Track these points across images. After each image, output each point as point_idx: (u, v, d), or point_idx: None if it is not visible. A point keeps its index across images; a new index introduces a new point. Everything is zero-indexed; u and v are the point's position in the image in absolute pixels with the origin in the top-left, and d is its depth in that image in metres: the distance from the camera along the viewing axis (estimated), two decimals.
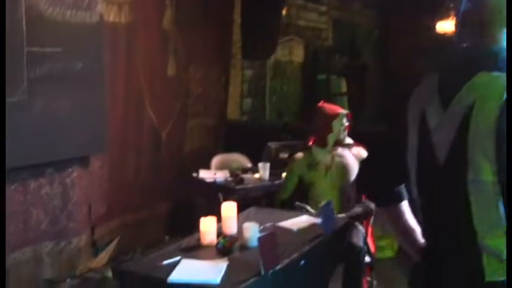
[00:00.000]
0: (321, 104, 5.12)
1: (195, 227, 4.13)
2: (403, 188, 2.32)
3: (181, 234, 4.43)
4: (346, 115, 4.90)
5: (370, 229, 5.01)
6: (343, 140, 4.89)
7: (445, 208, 1.99)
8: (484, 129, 1.85)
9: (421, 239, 2.25)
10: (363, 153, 4.86)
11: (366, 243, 4.68)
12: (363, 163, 4.71)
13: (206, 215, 3.98)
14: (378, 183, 2.33)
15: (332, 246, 4.10)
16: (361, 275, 4.57)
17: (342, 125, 4.86)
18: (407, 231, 2.30)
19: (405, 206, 2.31)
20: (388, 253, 6.44)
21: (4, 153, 3.88)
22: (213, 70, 7.83)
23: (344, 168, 4.84)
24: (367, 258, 4.67)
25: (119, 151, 6.19)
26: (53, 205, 5.30)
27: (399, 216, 2.31)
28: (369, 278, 4.98)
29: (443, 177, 1.98)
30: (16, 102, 4.63)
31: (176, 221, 6.96)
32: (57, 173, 5.31)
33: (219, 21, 7.90)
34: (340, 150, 4.87)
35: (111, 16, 5.90)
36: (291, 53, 9.48)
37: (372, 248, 4.88)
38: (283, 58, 9.30)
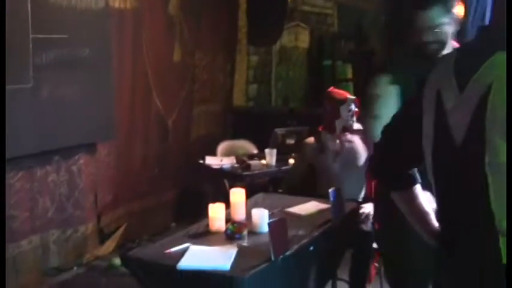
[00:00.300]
0: (330, 89, 5.09)
1: (201, 214, 4.12)
2: (415, 172, 2.30)
3: (187, 221, 4.42)
4: (354, 101, 4.86)
5: None
6: (351, 126, 4.85)
7: (462, 191, 1.96)
8: (502, 109, 1.82)
9: (434, 223, 2.23)
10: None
11: (374, 227, 4.66)
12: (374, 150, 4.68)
13: (212, 202, 3.97)
14: (390, 167, 2.30)
15: (341, 232, 4.07)
16: (369, 261, 4.56)
17: (349, 110, 4.82)
18: (421, 214, 2.28)
19: (418, 189, 2.29)
20: None
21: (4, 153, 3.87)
22: (219, 56, 7.81)
23: (353, 154, 4.82)
24: (375, 244, 4.64)
25: (126, 138, 6.18)
26: (60, 193, 5.30)
27: (412, 199, 2.29)
28: (376, 264, 4.97)
29: (460, 160, 1.95)
30: (22, 89, 4.62)
31: (183, 208, 6.96)
32: (63, 161, 5.31)
33: (225, 7, 7.87)
34: (349, 136, 4.84)
35: (117, 2, 5.87)
36: (297, 38, 9.43)
37: None
38: (288, 44, 9.26)
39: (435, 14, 3.21)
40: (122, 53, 6.00)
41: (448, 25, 3.24)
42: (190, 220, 4.34)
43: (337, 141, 4.85)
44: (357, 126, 4.90)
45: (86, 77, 5.28)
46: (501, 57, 1.88)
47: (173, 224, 6.75)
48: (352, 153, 4.83)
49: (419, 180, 2.30)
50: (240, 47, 8.27)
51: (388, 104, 3.16)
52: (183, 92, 7.11)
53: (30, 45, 4.71)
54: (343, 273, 4.58)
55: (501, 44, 1.91)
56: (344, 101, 4.83)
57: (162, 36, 6.69)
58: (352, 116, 4.83)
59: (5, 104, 4.24)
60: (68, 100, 5.09)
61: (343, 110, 4.82)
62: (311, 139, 5.03)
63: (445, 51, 3.14)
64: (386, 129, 2.35)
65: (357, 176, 4.83)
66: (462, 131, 1.92)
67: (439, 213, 2.12)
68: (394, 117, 2.34)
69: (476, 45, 2.06)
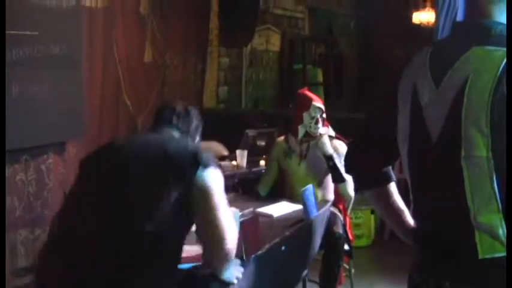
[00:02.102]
0: (301, 91, 5.09)
1: None
2: (390, 169, 2.30)
3: None
4: (320, 108, 4.83)
5: (348, 218, 5.02)
6: (315, 132, 4.81)
7: (438, 186, 1.97)
8: (478, 103, 1.83)
9: (410, 220, 2.23)
10: (343, 148, 4.72)
11: (345, 231, 4.67)
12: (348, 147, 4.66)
13: None
14: (364, 164, 2.30)
15: (312, 233, 4.07)
16: (340, 263, 4.56)
17: (313, 117, 4.79)
18: (396, 212, 2.28)
19: (393, 187, 2.30)
20: (364, 241, 6.46)
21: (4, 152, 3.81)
22: (190, 57, 7.77)
23: (318, 160, 4.79)
24: (346, 246, 4.65)
25: (95, 138, 6.11)
26: (28, 192, 5.22)
27: (387, 197, 2.29)
28: (346, 266, 4.98)
29: (436, 155, 1.95)
30: None
31: None
32: (32, 159, 5.24)
33: (197, 8, 7.83)
34: (319, 140, 4.79)
35: (88, 0, 5.82)
36: (268, 42, 9.46)
37: (350, 236, 4.88)
38: (259, 47, 9.27)
39: None
40: (92, 52, 5.95)
41: None
42: None
43: (305, 144, 4.85)
44: (324, 130, 4.87)
45: (56, 75, 5.21)
46: (477, 51, 1.89)
47: None
48: (317, 158, 4.80)
49: (394, 178, 2.30)
50: (211, 48, 8.26)
51: None
52: (154, 92, 7.07)
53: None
54: (314, 274, 4.59)
55: (476, 38, 1.92)
56: (308, 107, 4.81)
57: (133, 36, 6.65)
58: (316, 123, 4.80)
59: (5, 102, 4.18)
60: (38, 98, 5.02)
61: (306, 116, 4.80)
62: (282, 138, 5.04)
63: None
64: (363, 124, 2.35)
65: (323, 179, 4.83)
66: (438, 125, 1.93)
67: (414, 210, 2.12)
68: (368, 114, 2.34)
69: (451, 40, 2.08)
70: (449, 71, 1.92)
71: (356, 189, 2.45)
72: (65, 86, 5.31)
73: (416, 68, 2.04)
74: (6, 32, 4.62)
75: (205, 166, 2.65)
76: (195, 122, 3.10)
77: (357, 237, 5.86)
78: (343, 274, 4.86)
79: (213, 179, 2.67)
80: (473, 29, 1.96)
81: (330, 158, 4.59)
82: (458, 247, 1.92)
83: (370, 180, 2.30)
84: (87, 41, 5.79)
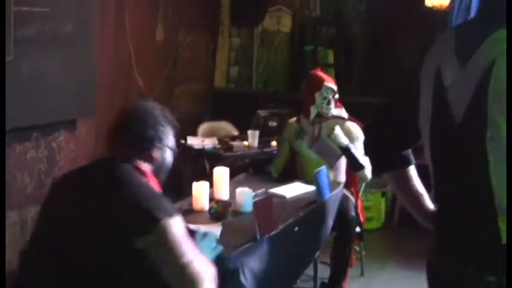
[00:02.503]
0: (314, 71, 5.05)
1: (179, 196, 4.08)
2: (409, 153, 2.27)
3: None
4: (332, 89, 4.79)
5: (359, 201, 4.99)
6: (326, 113, 4.77)
7: (461, 168, 1.93)
8: (504, 85, 1.79)
9: (429, 204, 2.20)
10: (356, 130, 4.72)
11: (357, 213, 4.65)
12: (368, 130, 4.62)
13: (192, 182, 3.93)
14: (384, 147, 2.26)
15: (325, 214, 4.05)
16: (351, 245, 4.54)
17: (325, 98, 4.75)
18: (416, 195, 2.25)
19: (412, 170, 2.26)
20: (375, 224, 6.43)
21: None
22: (202, 36, 7.73)
23: (330, 142, 4.76)
24: (357, 229, 4.63)
25: (106, 116, 6.08)
26: (39, 169, 5.21)
27: (407, 180, 2.26)
28: (357, 249, 4.97)
29: (460, 137, 1.92)
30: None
31: (162, 188, 6.89)
32: (43, 137, 5.22)
33: None
34: (331, 122, 4.77)
35: None
36: (279, 22, 9.38)
37: (362, 219, 4.85)
38: (271, 27, 9.21)
39: None
40: (104, 30, 5.91)
41: None
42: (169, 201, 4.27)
43: (317, 126, 4.81)
44: (337, 112, 4.83)
45: (68, 53, 5.18)
46: (503, 33, 1.86)
47: None
48: (330, 140, 4.76)
49: (414, 161, 2.27)
50: (222, 28, 8.21)
51: None
52: (165, 70, 7.04)
53: (12, 18, 4.61)
54: (325, 256, 4.57)
55: (503, 20, 1.88)
56: (320, 87, 4.77)
57: (145, 14, 6.60)
58: (328, 103, 4.76)
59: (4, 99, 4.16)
60: (49, 75, 5.00)
61: (318, 97, 4.76)
62: (294, 119, 5.00)
63: None
64: (381, 108, 2.31)
65: (334, 163, 4.79)
66: (463, 106, 1.89)
67: (435, 193, 2.09)
68: (389, 95, 2.31)
69: (478, 21, 2.04)
70: (476, 52, 1.88)
71: (376, 172, 2.42)
72: (75, 64, 5.28)
73: (440, 50, 2.01)
74: (16, 8, 4.60)
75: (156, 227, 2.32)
76: (165, 142, 2.72)
77: (367, 220, 5.83)
78: (354, 257, 4.84)
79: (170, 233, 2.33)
80: (501, 10, 1.92)
81: (346, 149, 4.53)
82: (480, 232, 1.88)
83: (390, 163, 2.27)
84: (99, 19, 5.74)
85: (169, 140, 2.74)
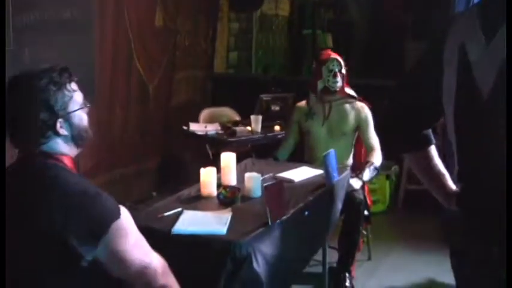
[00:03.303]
0: (323, 51, 5.06)
1: (183, 182, 4.04)
2: (430, 132, 2.22)
3: (169, 190, 4.31)
4: (338, 61, 4.76)
5: (366, 184, 4.94)
6: (333, 87, 4.74)
7: (486, 146, 1.88)
8: None
9: (451, 184, 2.16)
10: (365, 110, 4.76)
11: (365, 196, 4.60)
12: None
13: (194, 169, 3.89)
14: (405, 126, 2.21)
15: (334, 198, 4.01)
16: (360, 228, 4.50)
17: (331, 70, 4.72)
18: (437, 175, 2.21)
19: (433, 150, 2.22)
20: (380, 207, 6.40)
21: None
22: (201, 22, 7.66)
23: (340, 120, 4.75)
24: (365, 212, 4.59)
25: (107, 104, 6.04)
26: None
27: (428, 160, 2.22)
28: (364, 232, 4.93)
29: (487, 112, 1.87)
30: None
31: (164, 176, 6.85)
32: None
33: None
34: (340, 101, 4.75)
35: None
36: (277, 6, 9.33)
37: (369, 202, 4.81)
38: (269, 11, 9.15)
39: None
40: (103, 17, 5.85)
41: None
42: (172, 188, 4.23)
43: (327, 104, 4.78)
44: (348, 91, 4.80)
45: (67, 40, 5.14)
46: None
47: (154, 193, 6.61)
48: (340, 117, 4.75)
49: (434, 141, 2.22)
50: (221, 14, 8.15)
51: None
52: (165, 57, 6.98)
53: (10, 6, 4.55)
54: (333, 241, 4.53)
55: None
56: (326, 60, 4.76)
57: (144, 0, 6.54)
58: (334, 76, 4.72)
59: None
60: (49, 63, 4.94)
61: (324, 70, 4.74)
62: (303, 102, 4.96)
63: None
64: (400, 86, 2.26)
65: (344, 141, 4.77)
66: (489, 81, 1.85)
67: (460, 172, 2.04)
68: (409, 74, 2.25)
69: None
70: (502, 28, 1.83)
71: (396, 152, 2.38)
72: (75, 51, 5.23)
73: (464, 27, 1.96)
74: None
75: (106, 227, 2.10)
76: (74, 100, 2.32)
77: (373, 203, 5.80)
78: (361, 240, 4.80)
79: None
80: None
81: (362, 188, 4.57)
82: (506, 212, 1.83)
83: (412, 143, 2.23)
84: (98, 6, 5.69)
85: (72, 101, 2.30)
